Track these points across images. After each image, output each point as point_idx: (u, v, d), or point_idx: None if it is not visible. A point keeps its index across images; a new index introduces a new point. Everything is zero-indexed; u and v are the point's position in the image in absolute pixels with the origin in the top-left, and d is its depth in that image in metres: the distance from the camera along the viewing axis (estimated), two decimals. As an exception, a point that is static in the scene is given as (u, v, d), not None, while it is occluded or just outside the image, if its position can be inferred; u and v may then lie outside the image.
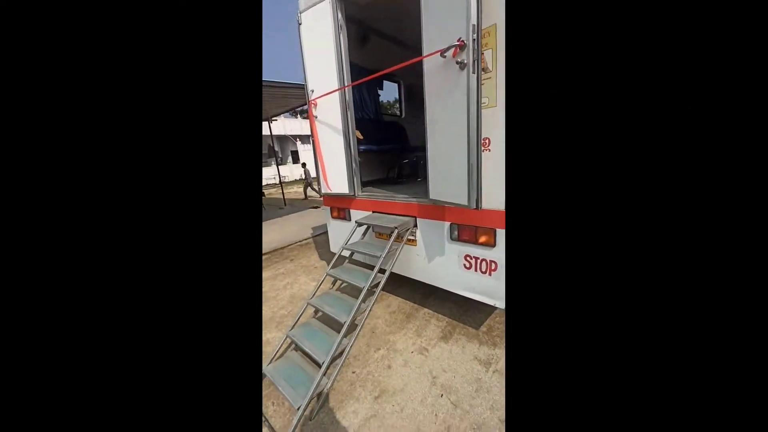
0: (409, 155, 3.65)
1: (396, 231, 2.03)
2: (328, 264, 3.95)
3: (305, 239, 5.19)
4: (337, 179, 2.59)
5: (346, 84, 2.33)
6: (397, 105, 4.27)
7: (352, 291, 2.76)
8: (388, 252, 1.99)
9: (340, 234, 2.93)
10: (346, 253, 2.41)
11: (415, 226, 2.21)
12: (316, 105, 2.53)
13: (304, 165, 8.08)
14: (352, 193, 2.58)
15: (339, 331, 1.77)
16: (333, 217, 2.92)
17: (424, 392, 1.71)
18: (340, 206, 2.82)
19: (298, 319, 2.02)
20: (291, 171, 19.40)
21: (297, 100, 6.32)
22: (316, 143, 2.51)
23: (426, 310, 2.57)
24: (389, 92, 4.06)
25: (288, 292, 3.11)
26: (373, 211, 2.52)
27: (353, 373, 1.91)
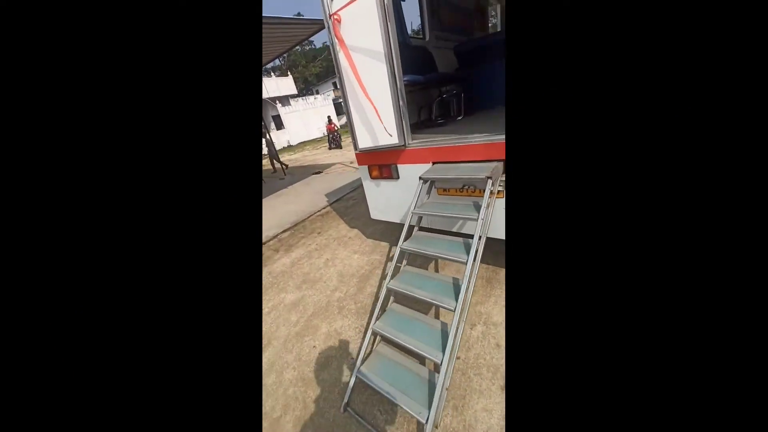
0: (445, 88, 2.97)
1: (489, 181, 1.54)
2: (361, 233, 3.57)
3: (323, 208, 4.70)
4: (379, 126, 1.99)
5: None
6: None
7: (426, 262, 2.37)
8: (486, 209, 1.52)
9: (387, 197, 2.42)
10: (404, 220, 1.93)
11: (504, 172, 1.70)
12: (340, 21, 1.82)
13: (265, 135, 7.44)
14: (402, 143, 2.01)
15: (431, 314, 1.40)
16: (373, 177, 2.39)
17: (560, 373, 1.39)
18: (382, 163, 2.26)
19: (382, 309, 1.63)
20: (277, 138, 18.04)
21: (282, 44, 5.23)
22: (356, 77, 1.85)
23: (506, 270, 2.21)
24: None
25: (333, 270, 2.72)
26: (434, 162, 1.99)
27: (458, 358, 1.58)
